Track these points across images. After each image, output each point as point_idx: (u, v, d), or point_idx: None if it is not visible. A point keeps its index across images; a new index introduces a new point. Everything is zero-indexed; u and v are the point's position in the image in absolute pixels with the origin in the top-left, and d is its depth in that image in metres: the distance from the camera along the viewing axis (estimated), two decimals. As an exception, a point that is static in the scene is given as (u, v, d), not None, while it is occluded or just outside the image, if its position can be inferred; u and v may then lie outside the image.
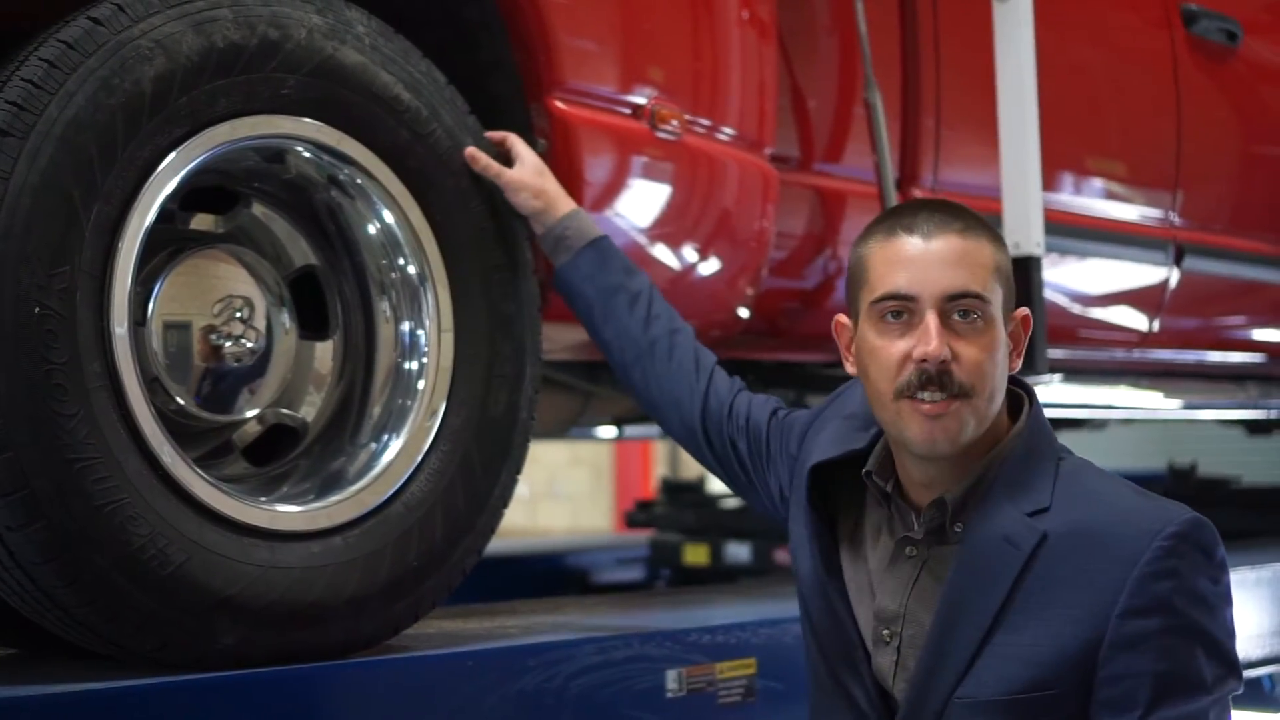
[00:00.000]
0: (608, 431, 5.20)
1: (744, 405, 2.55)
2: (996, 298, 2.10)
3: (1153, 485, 6.18)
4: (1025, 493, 2.09)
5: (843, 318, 2.25)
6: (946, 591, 2.10)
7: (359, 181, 2.48)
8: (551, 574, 5.62)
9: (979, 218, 2.15)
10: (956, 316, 2.07)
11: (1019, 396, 2.19)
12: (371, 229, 2.53)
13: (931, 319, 2.06)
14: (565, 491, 13.72)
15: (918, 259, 2.09)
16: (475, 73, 2.75)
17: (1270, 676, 4.95)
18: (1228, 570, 2.05)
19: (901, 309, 2.09)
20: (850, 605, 2.23)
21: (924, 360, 2.05)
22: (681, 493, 6.43)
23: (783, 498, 2.45)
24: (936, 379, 2.06)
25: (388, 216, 2.51)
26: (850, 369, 2.22)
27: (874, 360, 2.12)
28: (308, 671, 2.31)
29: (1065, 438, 6.26)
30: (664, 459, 12.63)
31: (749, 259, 3.16)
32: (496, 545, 6.23)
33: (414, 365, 2.55)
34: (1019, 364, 2.17)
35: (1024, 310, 2.18)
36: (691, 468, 11.11)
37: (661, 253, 2.99)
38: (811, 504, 2.29)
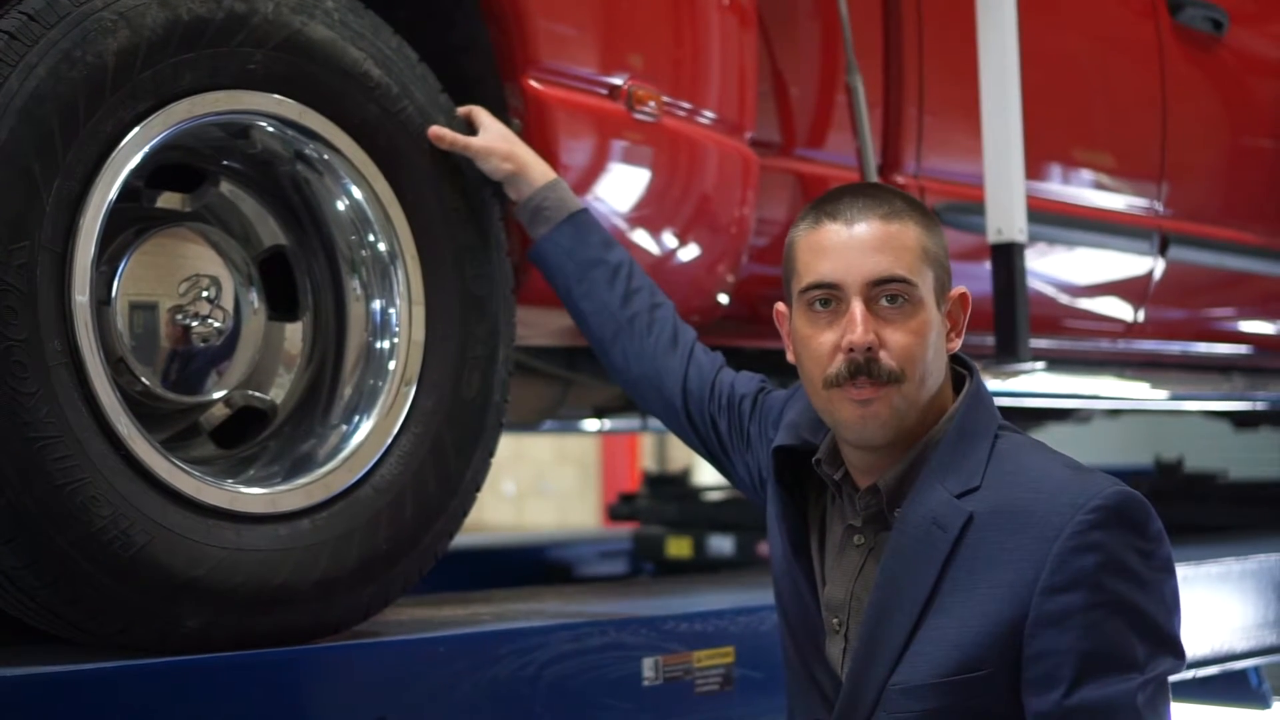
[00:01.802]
0: (593, 425, 5.17)
1: (726, 383, 2.53)
2: (925, 280, 2.09)
3: (1139, 480, 6.19)
4: (956, 474, 2.07)
5: (781, 306, 2.24)
6: (879, 578, 2.09)
7: (326, 157, 2.44)
8: (533, 567, 5.58)
9: (909, 200, 2.14)
10: (884, 302, 2.07)
11: (963, 375, 2.18)
12: (340, 205, 2.50)
13: (857, 306, 2.06)
14: (552, 488, 13.70)
15: (841, 246, 2.08)
16: (449, 52, 2.72)
17: (1257, 671, 4.92)
18: (1165, 545, 2.01)
19: (828, 297, 2.09)
20: (816, 590, 2.22)
21: (851, 350, 2.05)
22: (664, 485, 6.41)
23: (762, 480, 2.42)
24: (865, 368, 2.05)
25: (356, 193, 2.48)
26: (791, 357, 2.21)
27: (805, 349, 2.12)
28: (274, 656, 2.27)
29: (1049, 430, 6.24)
30: (651, 455, 12.61)
31: (729, 245, 3.13)
32: (478, 538, 6.21)
33: (385, 344, 2.51)
34: (958, 343, 2.16)
35: (961, 289, 2.17)
36: (676, 461, 11.10)
37: (639, 237, 2.96)
38: (782, 485, 2.28)
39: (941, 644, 2.02)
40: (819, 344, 2.09)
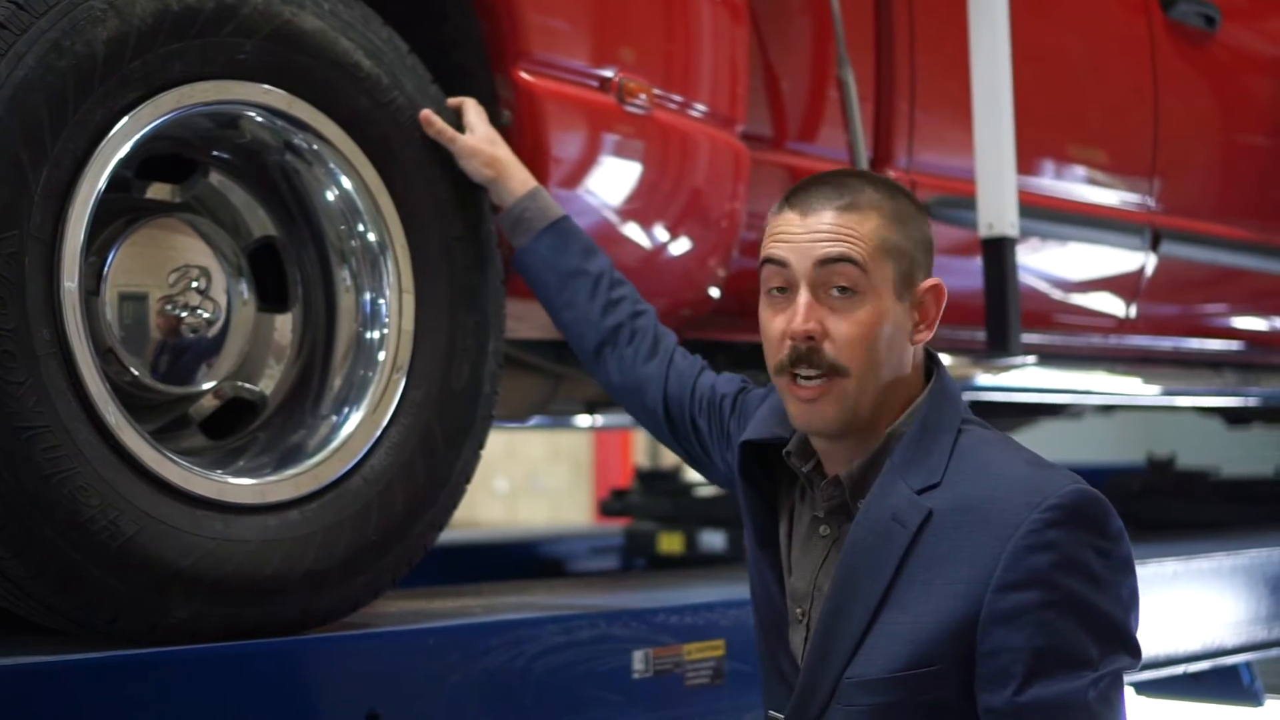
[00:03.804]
0: (585, 422, 5.15)
1: (706, 385, 2.53)
2: (881, 270, 2.07)
3: (1131, 477, 6.18)
4: (918, 469, 2.06)
5: None
6: (838, 572, 2.09)
7: (316, 148, 2.44)
8: (524, 563, 5.57)
9: (883, 190, 2.12)
10: (834, 292, 2.07)
11: (930, 368, 2.18)
12: (330, 195, 2.49)
13: (803, 295, 2.07)
14: (545, 486, 13.69)
15: (795, 230, 2.10)
16: (440, 43, 2.71)
17: (1249, 667, 4.92)
18: (1124, 543, 2.01)
19: (783, 284, 2.09)
20: (782, 580, 2.22)
21: (792, 337, 2.06)
22: (657, 481, 6.39)
23: None
24: (806, 356, 2.06)
25: (346, 183, 2.47)
26: None
27: (764, 335, 2.14)
28: (263, 647, 2.27)
29: (1041, 426, 6.22)
30: (643, 452, 12.61)
31: (720, 238, 3.13)
32: (469, 534, 6.18)
33: (375, 335, 2.51)
34: (928, 335, 2.13)
35: (934, 280, 2.14)
36: (668, 457, 11.09)
37: (630, 230, 2.96)
38: (748, 479, 2.28)
39: (896, 638, 2.02)
40: (771, 330, 2.10)
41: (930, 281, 2.14)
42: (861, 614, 2.04)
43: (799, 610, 2.18)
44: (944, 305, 2.15)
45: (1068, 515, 1.96)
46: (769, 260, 2.11)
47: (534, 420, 4.52)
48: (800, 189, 2.13)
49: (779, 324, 2.09)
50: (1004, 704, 1.95)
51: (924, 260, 2.14)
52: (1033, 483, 2.00)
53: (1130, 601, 2.01)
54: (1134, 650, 2.00)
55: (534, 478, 13.71)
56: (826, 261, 2.06)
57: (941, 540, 2.02)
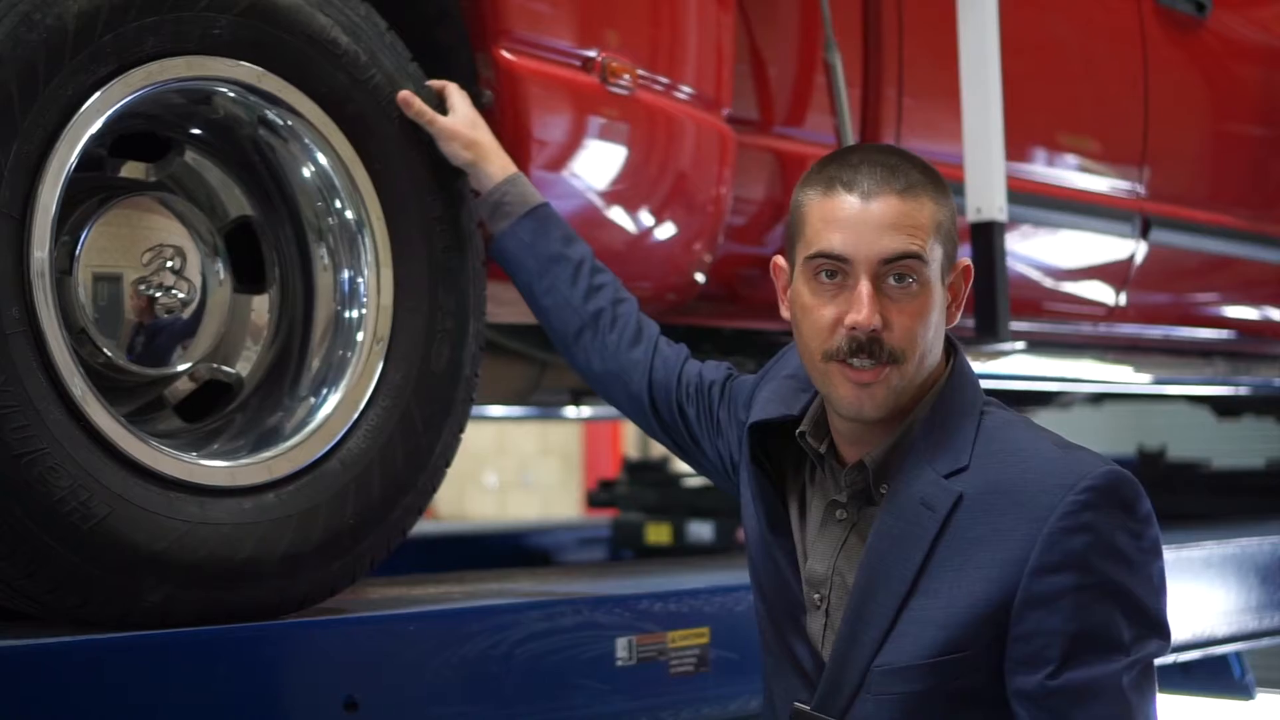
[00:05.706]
0: (573, 412, 5.13)
1: (693, 372, 2.50)
2: (935, 256, 2.04)
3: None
4: (944, 453, 2.04)
5: (780, 260, 2.19)
6: (865, 558, 2.06)
7: (290, 124, 2.41)
8: (511, 554, 5.56)
9: (925, 170, 2.08)
10: (891, 281, 2.02)
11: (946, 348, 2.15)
12: (306, 172, 2.46)
13: (865, 286, 2.01)
14: (535, 481, 13.68)
15: (854, 219, 2.02)
16: (420, 21, 2.68)
17: (1240, 660, 4.91)
18: (1154, 525, 1.99)
19: (835, 270, 2.03)
20: (796, 566, 2.19)
21: (854, 328, 2.01)
22: (644, 472, 6.38)
23: (733, 464, 2.39)
24: (866, 346, 2.01)
25: (322, 160, 2.44)
26: (785, 314, 2.16)
27: (806, 318, 2.07)
28: (237, 632, 2.23)
29: (1031, 417, 6.19)
30: (633, 445, 12.60)
31: (705, 222, 3.10)
32: (455, 526, 6.15)
33: (353, 314, 2.48)
34: (958, 315, 2.12)
35: (964, 261, 2.13)
36: (657, 447, 11.08)
37: (614, 213, 2.92)
38: (756, 463, 2.25)
39: (927, 625, 2.00)
40: (821, 315, 2.04)
41: (961, 262, 2.12)
42: (891, 601, 2.02)
43: (817, 595, 2.14)
44: (970, 284, 2.13)
45: (1102, 497, 1.95)
46: (825, 254, 2.03)
47: (523, 412, 4.50)
48: (848, 169, 2.05)
49: (831, 311, 2.03)
50: (1037, 687, 1.94)
51: (956, 239, 2.11)
52: (1065, 465, 1.99)
53: (1160, 584, 2.00)
54: (1164, 634, 1.99)
55: (524, 472, 13.70)
56: (892, 259, 2.01)
57: (973, 524, 2.00)
